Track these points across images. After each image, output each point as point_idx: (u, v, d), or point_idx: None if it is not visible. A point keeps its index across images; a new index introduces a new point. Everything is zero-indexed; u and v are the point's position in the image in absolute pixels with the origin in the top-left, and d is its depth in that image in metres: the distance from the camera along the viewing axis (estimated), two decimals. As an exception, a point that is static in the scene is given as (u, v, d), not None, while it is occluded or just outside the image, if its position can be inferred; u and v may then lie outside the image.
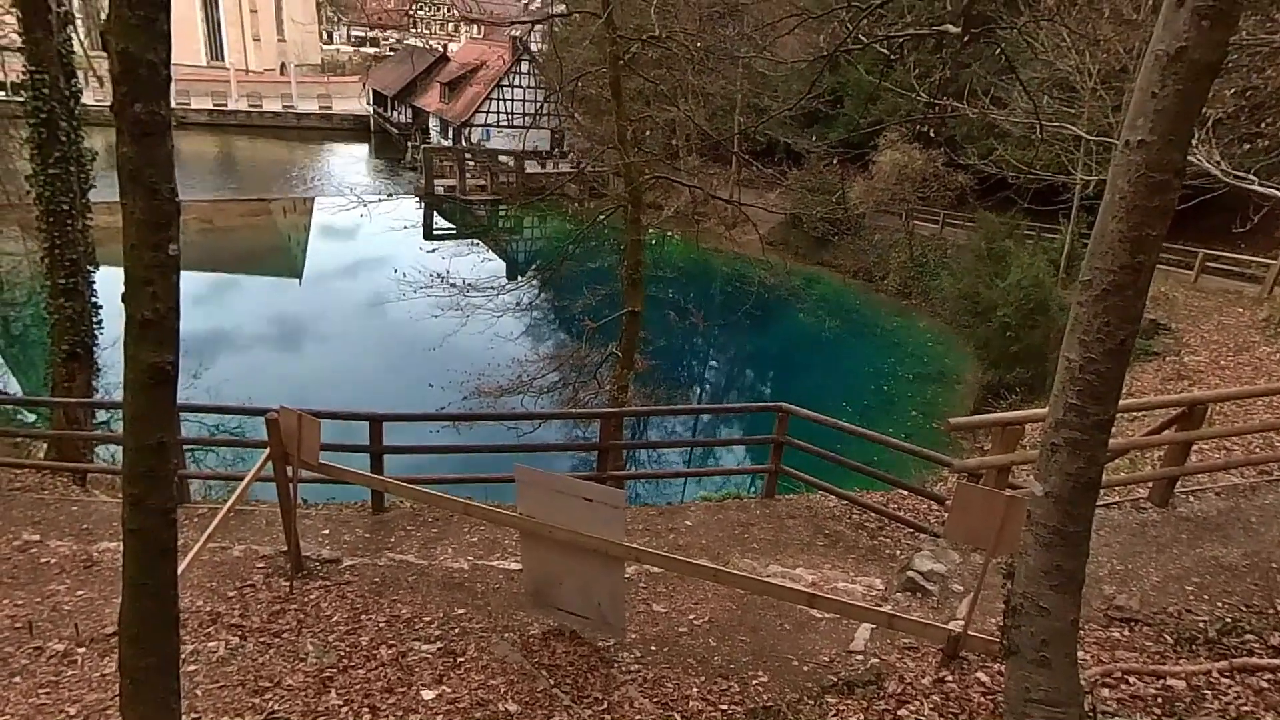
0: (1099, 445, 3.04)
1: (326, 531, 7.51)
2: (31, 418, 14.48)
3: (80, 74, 11.32)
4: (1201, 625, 5.03)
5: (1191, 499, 7.23)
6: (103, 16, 2.67)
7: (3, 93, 15.12)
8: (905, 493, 9.14)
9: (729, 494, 10.63)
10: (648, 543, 7.34)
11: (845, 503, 8.67)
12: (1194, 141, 9.49)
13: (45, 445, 11.45)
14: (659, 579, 6.19)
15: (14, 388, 17.66)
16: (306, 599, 5.69)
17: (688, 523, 8.25)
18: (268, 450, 5.56)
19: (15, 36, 10.74)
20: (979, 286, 22.46)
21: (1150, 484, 7.26)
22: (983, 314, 21.87)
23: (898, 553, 7.65)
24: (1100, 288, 2.85)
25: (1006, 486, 6.47)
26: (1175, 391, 14.97)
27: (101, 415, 12.49)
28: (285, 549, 6.13)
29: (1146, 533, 6.50)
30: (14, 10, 10.40)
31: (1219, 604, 5.34)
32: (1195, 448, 7.73)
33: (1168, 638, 4.94)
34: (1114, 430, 3.22)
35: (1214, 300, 21.45)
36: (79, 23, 16.96)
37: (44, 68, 10.08)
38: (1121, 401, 3.24)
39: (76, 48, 12.08)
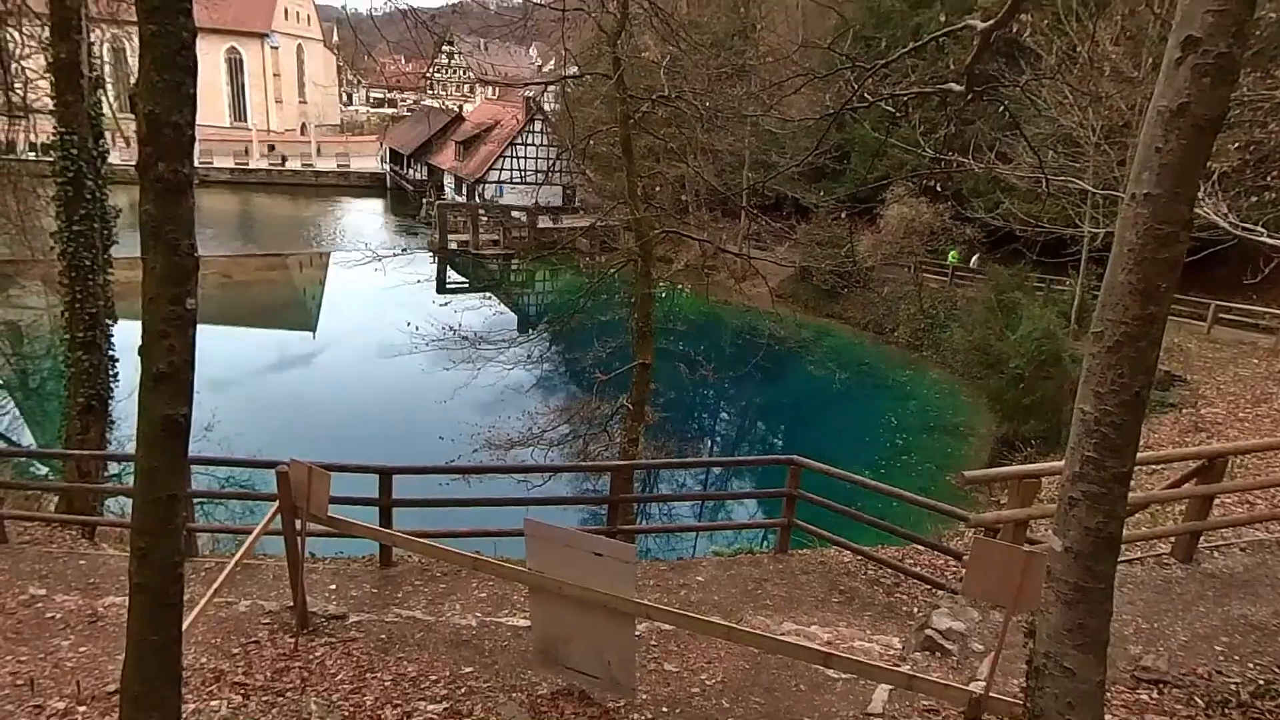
0: (1118, 499, 2.98)
1: (334, 586, 7.41)
2: (44, 470, 14.54)
3: (108, 135, 11.70)
4: (1233, 688, 4.84)
5: (1216, 554, 7.05)
6: (132, 80, 2.77)
7: (33, 153, 15.59)
8: (921, 548, 8.96)
9: (741, 549, 10.45)
10: (659, 599, 7.20)
11: (860, 558, 8.51)
12: (1201, 194, 9.57)
13: (56, 498, 11.47)
14: (670, 636, 6.05)
15: (29, 440, 17.77)
16: (311, 656, 5.59)
17: (699, 578, 8.10)
18: (277, 503, 5.54)
19: (48, 100, 11.14)
20: (990, 338, 22.42)
21: (1173, 539, 7.10)
22: (994, 366, 21.78)
23: (915, 610, 7.46)
24: (1112, 339, 2.84)
25: (1025, 541, 6.34)
26: (1194, 444, 14.74)
27: (113, 468, 12.53)
28: (291, 604, 6.05)
29: (1171, 590, 6.32)
30: (49, 75, 10.81)
31: (1250, 665, 5.16)
32: (1217, 501, 7.58)
33: (1199, 700, 4.75)
34: (1133, 484, 3.17)
35: (1228, 351, 21.29)
36: (109, 86, 17.57)
37: (74, 129, 10.42)
38: (1139, 454, 3.20)
39: (105, 110, 12.51)
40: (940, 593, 7.64)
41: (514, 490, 13.94)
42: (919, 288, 30.51)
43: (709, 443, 24.64)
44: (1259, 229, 9.09)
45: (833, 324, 32.16)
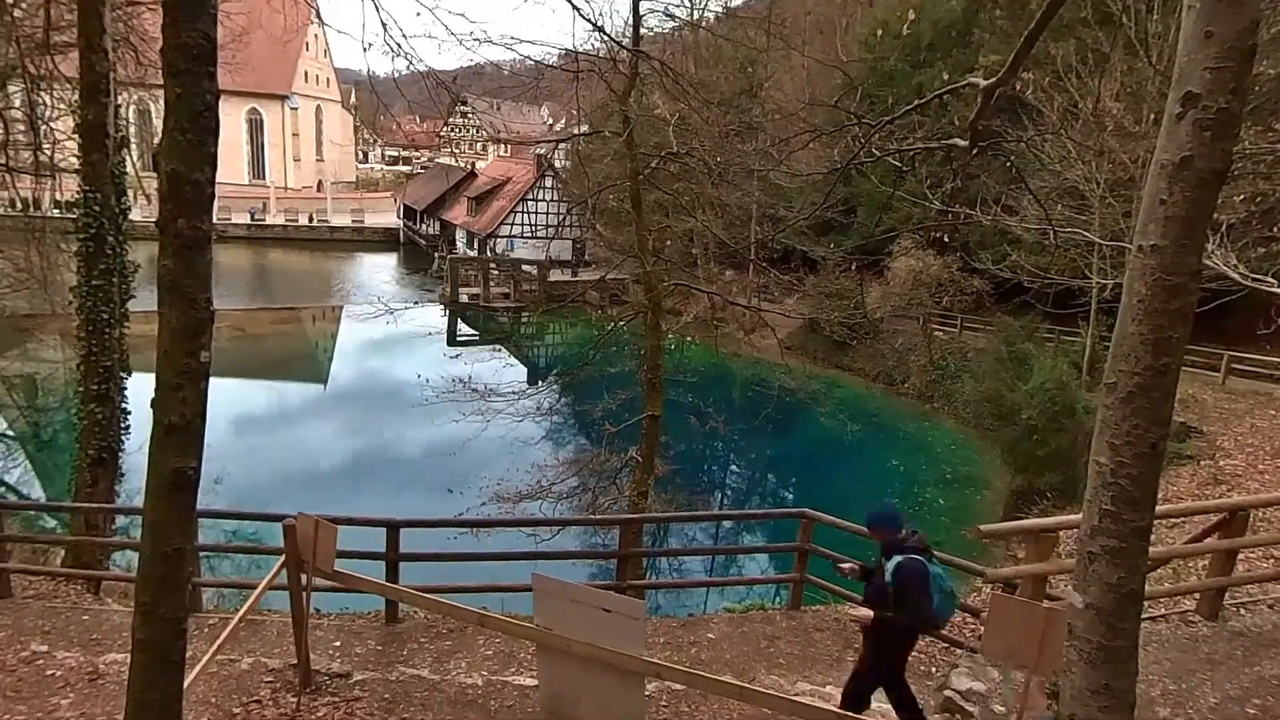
0: (1139, 553, 2.92)
1: (338, 643, 7.28)
2: (53, 523, 14.50)
3: (130, 192, 12.01)
4: (1268, 753, 4.65)
5: (1243, 612, 6.85)
6: (156, 140, 2.85)
7: (57, 210, 16.01)
8: (938, 604, 8.74)
9: (753, 604, 10.24)
10: (669, 657, 7.03)
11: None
12: (1211, 246, 9.61)
13: (63, 552, 11.41)
14: (681, 696, 5.89)
15: (38, 493, 17.76)
16: (314, 717, 5.46)
17: (710, 635, 7.92)
18: (283, 557, 5.49)
19: (74, 159, 11.48)
20: (1001, 389, 22.27)
21: (1198, 595, 6.91)
22: (1006, 417, 21.59)
23: (933, 670, 7.25)
24: (1126, 390, 2.82)
25: (1044, 598, 6.18)
26: (1214, 496, 14.47)
27: (121, 521, 12.49)
28: (295, 662, 5.94)
29: (1198, 649, 6.13)
30: (76, 136, 11.17)
31: (1285, 729, 4.97)
32: (1241, 556, 7.40)
33: (1233, 767, 4.56)
34: (1153, 538, 3.10)
35: (1244, 403, 21.05)
36: (133, 146, 18.11)
37: (97, 187, 10.69)
38: (1159, 507, 3.14)
39: (129, 168, 12.87)
40: (959, 651, 7.43)
41: (522, 544, 13.77)
42: (928, 339, 30.49)
43: (719, 496, 24.36)
44: (1269, 279, 9.08)
45: (843, 375, 32.08)
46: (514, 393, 16.59)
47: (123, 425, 11.37)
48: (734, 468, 27.55)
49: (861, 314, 31.43)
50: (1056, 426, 19.31)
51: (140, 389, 7.72)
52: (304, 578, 5.51)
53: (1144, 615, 4.20)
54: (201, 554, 9.09)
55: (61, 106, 15.11)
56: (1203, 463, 17.12)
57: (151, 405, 2.66)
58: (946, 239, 29.01)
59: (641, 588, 9.70)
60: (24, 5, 14.22)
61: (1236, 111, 2.66)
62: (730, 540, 18.54)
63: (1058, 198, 20.61)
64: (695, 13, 18.23)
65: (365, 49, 7.06)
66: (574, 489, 15.80)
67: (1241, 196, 14.19)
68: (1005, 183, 18.70)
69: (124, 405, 11.36)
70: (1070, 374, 20.73)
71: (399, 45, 7.05)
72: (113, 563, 11.72)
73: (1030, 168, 20.06)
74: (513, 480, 16.25)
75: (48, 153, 15.18)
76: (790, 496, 24.33)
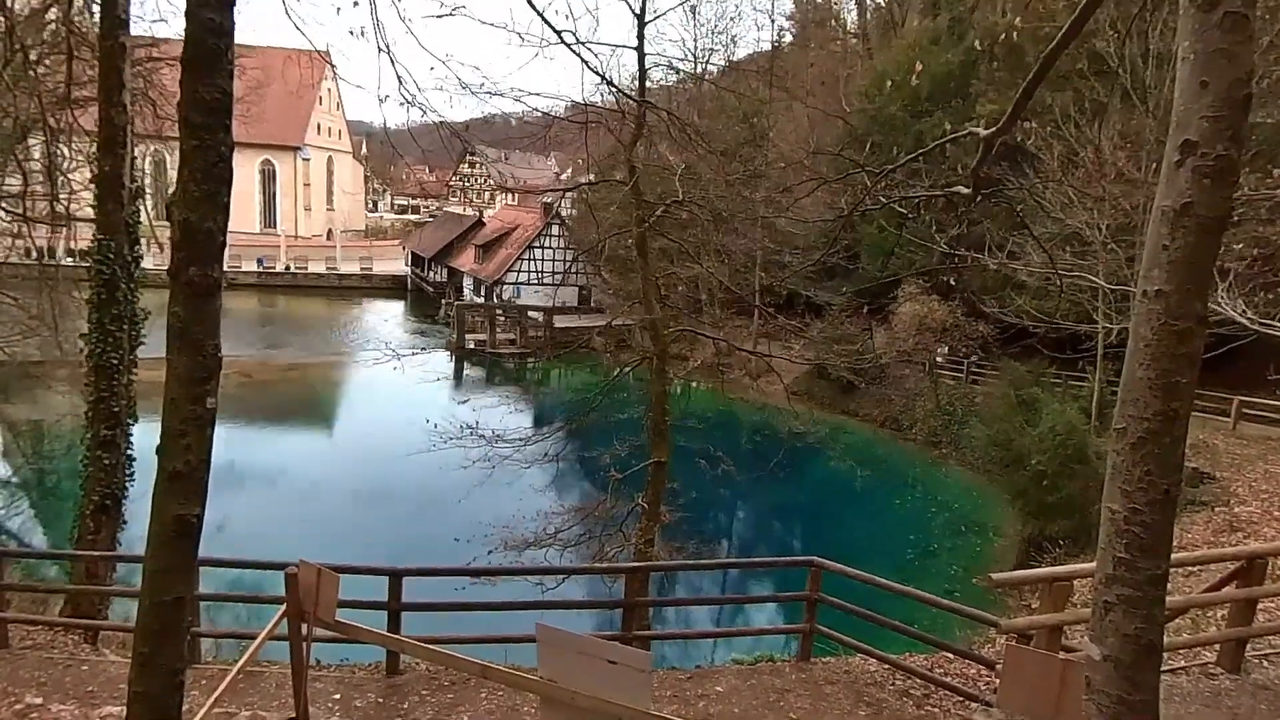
0: (1155, 603, 2.85)
1: (337, 696, 7.13)
2: (53, 570, 14.37)
3: (143, 241, 12.20)
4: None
5: (1265, 664, 6.67)
6: (170, 190, 2.91)
7: (70, 258, 16.27)
8: (952, 656, 8.55)
9: (762, 656, 10.01)
10: (676, 711, 6.86)
11: (887, 667, 8.10)
12: (1220, 291, 9.62)
13: (62, 600, 11.28)
14: (689, 753, 5.72)
15: (40, 540, 17.65)
16: (311, 772, 5.31)
17: (719, 689, 7.73)
18: (284, 606, 5.41)
19: (89, 209, 11.70)
20: (1010, 434, 22.10)
21: (1218, 647, 6.73)
22: (1016, 463, 21.38)
23: (948, 724, 7.04)
24: (1136, 435, 2.79)
25: (1060, 648, 6.03)
26: (1230, 544, 14.20)
27: (121, 570, 12.37)
28: (294, 715, 5.81)
29: (1221, 702, 5.95)
30: (92, 187, 11.40)
31: (1316, 788, 4.78)
32: (1261, 606, 7.23)
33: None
34: (1169, 586, 3.04)
35: (1257, 448, 20.81)
36: (147, 196, 18.47)
37: (111, 236, 10.87)
38: (1174, 555, 3.08)
39: (143, 218, 13.10)
40: (974, 705, 7.23)
41: (527, 593, 13.57)
42: (935, 384, 30.40)
43: (726, 543, 24.04)
44: (1277, 324, 9.07)
45: (850, 420, 31.90)
46: (520, 439, 16.53)
47: (128, 472, 11.35)
48: (741, 514, 27.25)
49: (867, 359, 31.45)
50: (1067, 472, 19.10)
51: (146, 436, 7.72)
52: (305, 628, 5.42)
53: (1164, 667, 4.09)
54: (201, 603, 8.98)
55: (79, 158, 15.47)
56: (1217, 509, 16.86)
57: (157, 452, 2.66)
58: (951, 283, 29.19)
59: (648, 638, 9.50)
60: (47, 62, 14.68)
61: (1235, 159, 2.69)
62: (738, 589, 18.23)
63: (1061, 243, 20.74)
64: (699, 66, 18.70)
65: (381, 101, 7.25)
66: (580, 536, 15.62)
67: (1240, 243, 14.26)
68: (1008, 228, 18.86)
69: (130, 452, 11.35)
70: (1079, 419, 20.57)
71: (413, 96, 7.27)
72: (112, 611, 11.57)
73: (1033, 213, 20.23)
74: (518, 528, 16.09)
75: (64, 203, 15.50)
76: (798, 544, 24.00)
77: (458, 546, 15.92)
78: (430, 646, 6.01)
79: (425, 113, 7.90)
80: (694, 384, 29.19)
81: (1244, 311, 9.41)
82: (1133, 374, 2.82)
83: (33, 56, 13.67)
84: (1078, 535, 18.24)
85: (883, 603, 8.94)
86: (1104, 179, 19.17)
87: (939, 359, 30.40)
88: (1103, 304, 21.34)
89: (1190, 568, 11.09)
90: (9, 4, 12.84)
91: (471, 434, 16.04)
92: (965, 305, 28.19)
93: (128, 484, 11.37)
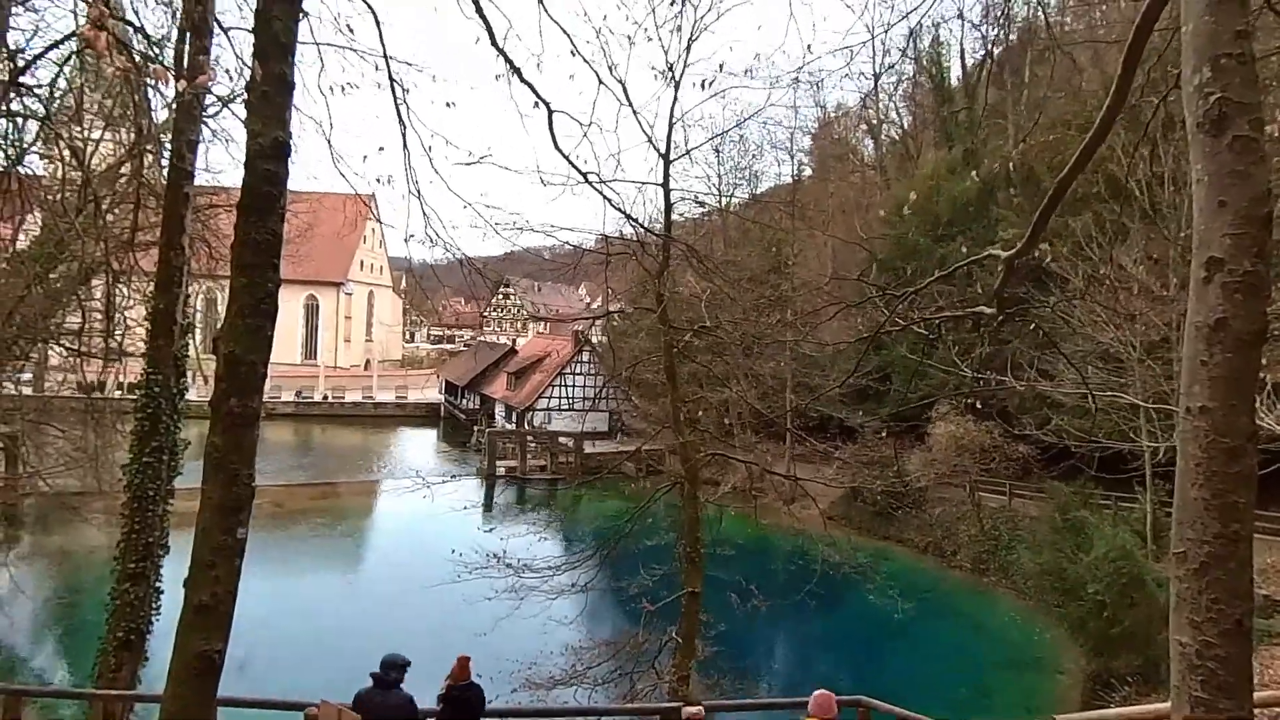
0: (1243, 750, 2.60)
1: None
2: (71, 709, 13.95)
3: (189, 374, 12.63)
4: None
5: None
6: (218, 325, 3.04)
7: (119, 391, 16.83)
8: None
9: (809, 808, 9.20)
10: None
11: (948, 823, 7.39)
12: (1260, 407, 9.35)
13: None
14: None
15: (60, 676, 17.25)
16: None
17: None
18: (302, 751, 5.16)
19: (141, 344, 12.21)
20: (1061, 561, 21.05)
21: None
22: (1070, 592, 20.23)
23: None
24: (1198, 560, 2.65)
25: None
26: (1317, 681, 13.05)
27: (140, 710, 11.96)
28: None
29: None
30: (145, 323, 11.95)
31: None
32: (1363, 753, 6.53)
33: None
34: (1256, 730, 2.77)
35: (1330, 571, 19.52)
36: (197, 331, 19.31)
37: (159, 369, 11.28)
38: (1257, 694, 2.84)
39: (190, 352, 13.62)
40: None
41: (555, 736, 12.83)
42: (977, 507, 29.39)
43: (765, 680, 22.67)
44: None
45: (890, 546, 30.74)
46: (549, 568, 16.12)
47: (154, 605, 11.22)
48: (780, 647, 25.85)
49: (903, 483, 30.64)
50: (1127, 601, 18.00)
51: (176, 567, 7.67)
52: (321, 775, 5.14)
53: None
54: (217, 747, 8.59)
55: (136, 296, 16.31)
56: (1297, 641, 15.63)
57: (185, 584, 2.64)
58: (979, 405, 28.81)
59: (685, 789, 8.80)
60: (116, 211, 15.79)
61: (1264, 273, 2.69)
62: (780, 730, 17.03)
63: (1094, 361, 20.52)
64: (724, 199, 19.53)
65: (406, 240, 7.62)
66: (610, 674, 14.88)
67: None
68: (1037, 347, 18.78)
69: (158, 584, 11.26)
70: (1134, 542, 19.58)
71: (437, 235, 7.62)
72: (126, 756, 11.10)
73: (1061, 332, 20.18)
74: (544, 663, 15.41)
75: (118, 339, 16.20)
76: (844, 680, 22.51)
77: (481, 684, 15.23)
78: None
79: (449, 251, 8.20)
80: (727, 509, 28.53)
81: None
82: (1186, 495, 2.71)
83: (103, 206, 14.72)
84: (1146, 671, 16.97)
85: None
86: (1131, 296, 19.20)
87: (977, 478, 29.56)
88: (1144, 422, 20.81)
89: (1277, 709, 10.16)
90: (85, 161, 13.97)
91: (498, 563, 15.71)
92: (1001, 425, 27.67)
93: (154, 618, 11.20)
